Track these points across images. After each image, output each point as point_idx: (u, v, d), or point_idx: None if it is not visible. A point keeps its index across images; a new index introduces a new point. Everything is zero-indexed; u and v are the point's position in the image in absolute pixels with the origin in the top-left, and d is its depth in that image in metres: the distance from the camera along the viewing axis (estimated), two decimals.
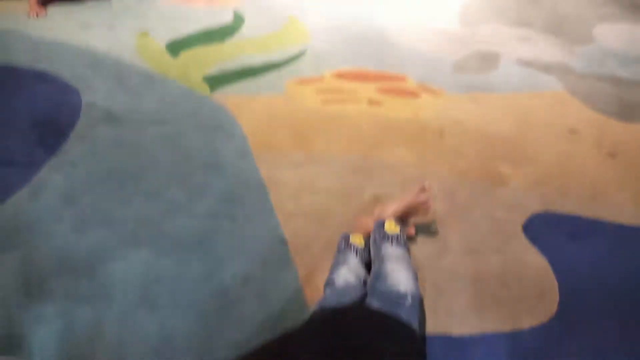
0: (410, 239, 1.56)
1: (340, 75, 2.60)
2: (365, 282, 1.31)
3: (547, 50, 3.13)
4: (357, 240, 1.44)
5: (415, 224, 1.61)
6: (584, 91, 2.65)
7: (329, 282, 1.30)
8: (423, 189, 1.60)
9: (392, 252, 1.32)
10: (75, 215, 1.58)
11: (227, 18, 3.19)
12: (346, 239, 1.45)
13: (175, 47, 2.72)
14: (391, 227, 1.43)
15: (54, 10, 3.10)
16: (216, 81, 2.42)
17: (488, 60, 2.91)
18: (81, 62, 2.49)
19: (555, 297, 1.46)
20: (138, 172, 1.79)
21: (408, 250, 1.41)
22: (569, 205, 1.80)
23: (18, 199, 1.63)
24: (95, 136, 1.95)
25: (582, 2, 4.15)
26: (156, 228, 1.57)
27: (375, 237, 1.42)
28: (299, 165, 1.90)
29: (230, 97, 2.30)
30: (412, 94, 2.48)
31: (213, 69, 2.52)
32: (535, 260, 1.56)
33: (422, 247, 1.57)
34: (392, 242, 1.36)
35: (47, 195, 1.65)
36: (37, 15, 2.96)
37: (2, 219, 1.55)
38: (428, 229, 1.63)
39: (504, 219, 1.71)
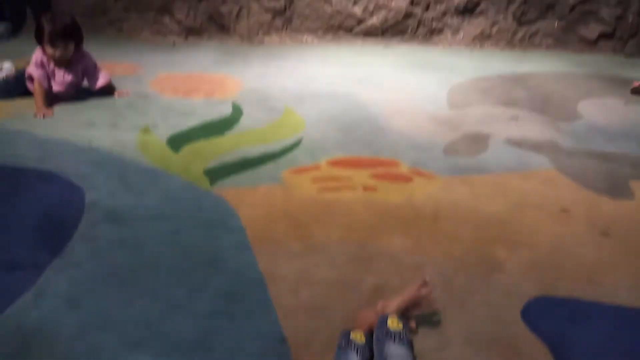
0: (412, 332, 1.56)
1: (335, 163, 2.69)
2: None
3: (534, 128, 3.25)
4: (358, 337, 1.44)
5: (417, 315, 1.62)
6: (574, 169, 2.73)
7: None
8: (424, 283, 1.63)
9: (395, 352, 1.32)
10: (77, 320, 1.59)
11: (226, 110, 3.34)
12: (346, 336, 1.45)
13: (177, 142, 2.83)
14: (394, 324, 1.44)
15: (60, 109, 3.25)
16: (216, 174, 2.50)
17: (478, 141, 3.02)
18: (85, 160, 2.58)
19: None
20: (139, 271, 1.82)
21: (411, 347, 1.41)
22: (566, 289, 1.81)
23: (21, 305, 1.64)
24: (98, 236, 2.00)
25: (565, 79, 4.35)
26: (156, 329, 1.57)
27: (378, 334, 1.42)
28: (297, 256, 1.93)
29: (229, 190, 2.37)
30: (406, 179, 2.55)
31: (213, 163, 2.62)
32: (535, 347, 1.55)
33: (423, 339, 1.57)
34: (395, 340, 1.37)
35: (49, 301, 1.67)
36: (43, 116, 3.10)
37: (4, 328, 1.56)
38: (430, 320, 1.64)
39: (502, 305, 1.72)
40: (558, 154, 2.90)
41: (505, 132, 3.15)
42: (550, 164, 2.78)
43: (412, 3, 4.98)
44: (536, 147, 2.97)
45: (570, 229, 2.18)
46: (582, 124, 3.39)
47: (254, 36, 4.98)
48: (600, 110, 3.66)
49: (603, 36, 5.21)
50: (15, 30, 4.87)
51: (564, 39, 5.24)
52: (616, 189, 2.54)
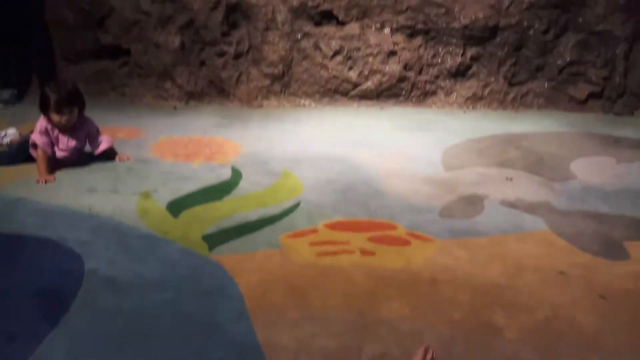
0: None
1: (333, 226, 2.71)
2: None
3: (529, 189, 3.30)
4: None
5: None
6: (569, 230, 2.76)
7: None
8: (426, 351, 1.62)
9: None
10: None
11: (225, 174, 3.40)
12: None
13: (176, 207, 2.86)
14: None
15: (61, 175, 3.30)
16: (215, 240, 2.52)
17: (473, 203, 3.06)
18: (85, 227, 2.60)
19: None
20: (138, 340, 1.81)
21: None
22: (565, 355, 1.80)
23: None
24: (97, 305, 2.00)
25: (558, 139, 4.44)
26: None
27: None
28: (295, 325, 1.92)
29: (228, 256, 2.39)
30: (403, 242, 2.57)
31: (212, 228, 2.64)
32: None
33: None
34: None
35: None
36: (45, 182, 3.15)
37: None
38: None
39: None
40: (553, 215, 2.94)
41: (500, 194, 3.20)
42: (545, 225, 2.81)
43: (405, 68, 5.16)
44: (531, 208, 3.01)
45: (568, 292, 2.19)
46: (575, 184, 3.44)
47: (253, 100, 5.12)
48: (593, 170, 3.73)
49: (592, 96, 5.37)
50: (20, 96, 5.01)
51: (554, 99, 5.39)
52: (612, 250, 2.56)
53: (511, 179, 3.43)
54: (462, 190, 3.24)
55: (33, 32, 4.91)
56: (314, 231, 2.66)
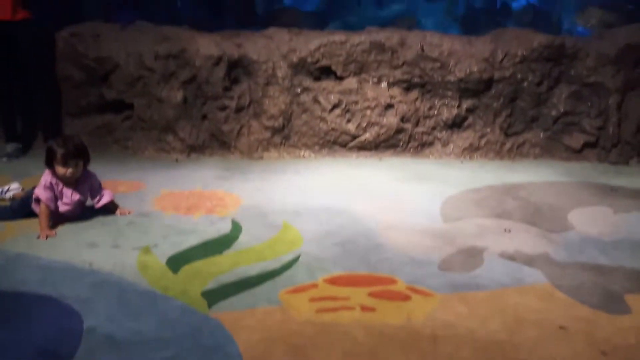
0: None
1: (333, 281, 2.72)
2: None
3: (527, 241, 3.31)
4: None
5: None
6: (569, 283, 2.76)
7: None
8: None
9: None
10: None
11: (225, 227, 3.42)
12: None
13: (176, 262, 2.87)
14: None
15: (63, 229, 3.33)
16: (214, 296, 2.52)
17: (473, 256, 3.07)
18: (85, 284, 2.61)
19: None
20: None
21: None
22: None
23: None
24: None
25: (555, 189, 4.49)
26: None
27: None
28: None
29: (227, 313, 2.38)
30: (403, 297, 2.57)
31: (212, 283, 2.64)
32: None
33: None
34: None
35: None
36: (46, 238, 3.17)
37: None
38: None
39: None
40: (552, 267, 2.95)
41: (499, 246, 3.21)
42: (544, 278, 2.81)
43: (402, 120, 5.26)
44: (530, 260, 3.02)
45: (569, 347, 2.17)
46: (573, 235, 3.46)
47: (254, 152, 5.20)
48: (591, 220, 3.75)
49: (587, 145, 5.45)
50: (24, 150, 5.09)
51: (550, 149, 5.47)
52: (612, 304, 2.55)
53: (509, 231, 3.45)
54: (461, 242, 3.25)
55: (39, 88, 5.04)
56: (314, 286, 2.66)
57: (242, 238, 3.26)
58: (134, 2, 7.30)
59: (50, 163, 3.35)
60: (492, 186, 4.48)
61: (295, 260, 2.94)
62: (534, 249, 3.18)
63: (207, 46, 5.10)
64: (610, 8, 7.11)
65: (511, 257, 3.06)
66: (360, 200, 4.01)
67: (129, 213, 3.61)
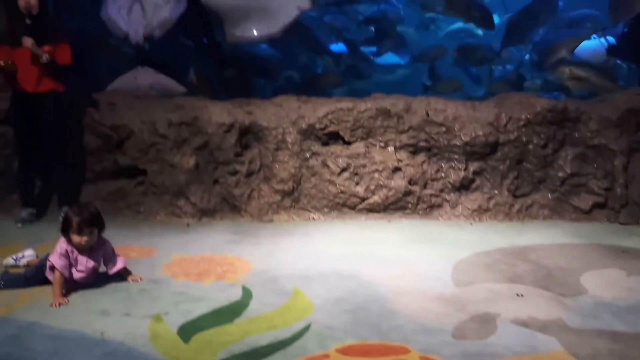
0: None
1: (345, 351, 2.69)
2: None
3: (540, 306, 3.28)
4: None
5: None
6: (585, 351, 2.71)
7: None
8: None
9: None
10: None
11: (236, 293, 3.42)
12: None
13: (187, 331, 2.87)
14: None
15: (75, 296, 3.35)
16: None
17: (486, 322, 3.04)
18: (96, 354, 2.61)
19: None
20: None
21: None
22: None
23: None
24: None
25: (565, 251, 4.46)
26: None
27: None
28: None
29: None
30: None
31: (222, 354, 2.63)
32: None
33: None
34: None
35: None
36: (58, 305, 3.19)
37: None
38: None
39: None
40: (566, 334, 2.90)
41: (512, 312, 3.18)
42: (559, 345, 2.77)
43: (410, 182, 5.33)
44: (544, 327, 2.98)
45: None
46: (587, 299, 3.42)
47: (264, 215, 5.25)
48: (604, 283, 3.71)
49: (596, 206, 5.45)
50: (39, 216, 5.17)
51: (559, 210, 5.47)
52: None
53: (522, 295, 3.42)
54: (473, 308, 3.22)
55: (57, 155, 5.17)
56: (326, 357, 2.63)
57: (253, 305, 3.25)
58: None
59: (65, 231, 3.41)
60: (502, 249, 4.47)
61: (306, 329, 2.92)
62: (548, 315, 3.14)
63: (219, 114, 5.26)
64: (578, 63, 7.24)
65: (524, 324, 3.02)
66: (371, 264, 4.00)
67: (141, 279, 3.63)
